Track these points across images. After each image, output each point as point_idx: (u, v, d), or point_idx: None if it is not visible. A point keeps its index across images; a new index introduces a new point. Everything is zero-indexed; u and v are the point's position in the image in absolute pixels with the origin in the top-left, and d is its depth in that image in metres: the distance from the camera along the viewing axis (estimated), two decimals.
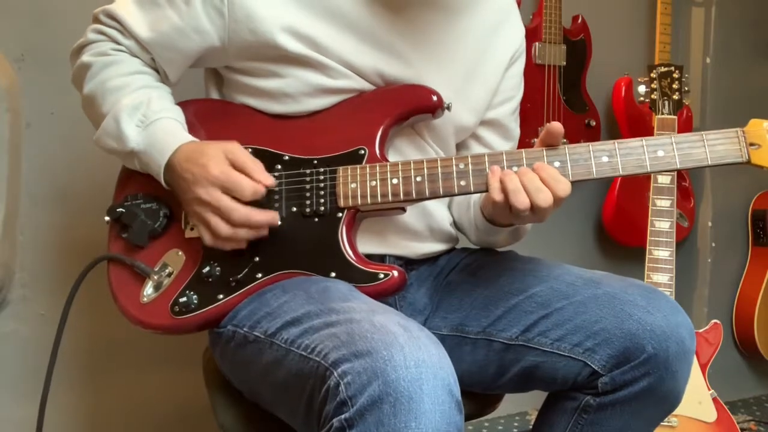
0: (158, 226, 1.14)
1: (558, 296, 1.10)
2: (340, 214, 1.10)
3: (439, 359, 0.88)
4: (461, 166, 1.08)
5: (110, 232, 1.19)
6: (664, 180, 1.93)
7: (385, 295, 1.08)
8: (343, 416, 0.85)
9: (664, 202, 1.92)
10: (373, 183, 1.09)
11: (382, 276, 1.07)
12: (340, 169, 1.10)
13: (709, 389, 1.91)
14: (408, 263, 1.21)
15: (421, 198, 1.09)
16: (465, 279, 1.22)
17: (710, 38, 2.49)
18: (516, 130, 1.35)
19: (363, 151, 1.11)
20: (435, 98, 1.14)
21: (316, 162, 1.12)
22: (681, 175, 2.33)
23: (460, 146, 1.30)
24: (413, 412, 0.83)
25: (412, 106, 1.14)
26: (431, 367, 0.85)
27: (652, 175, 1.93)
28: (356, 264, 1.08)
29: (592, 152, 1.08)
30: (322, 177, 1.11)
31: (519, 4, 2.17)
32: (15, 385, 1.61)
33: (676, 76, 1.96)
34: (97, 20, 1.20)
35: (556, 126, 1.07)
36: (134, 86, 1.14)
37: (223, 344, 1.11)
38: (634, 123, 2.29)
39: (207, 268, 1.10)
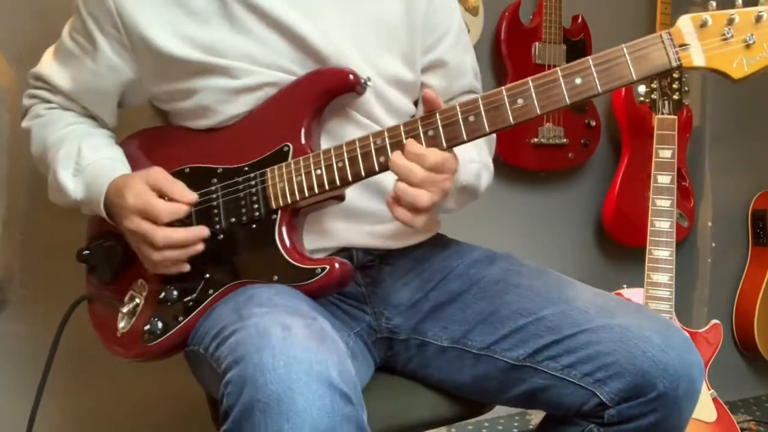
0: (120, 261, 1.18)
1: (570, 323, 1.07)
2: (275, 216, 1.09)
3: (317, 353, 0.87)
4: (378, 142, 1.04)
5: (85, 274, 1.26)
6: (664, 180, 1.93)
7: (331, 289, 1.08)
8: (224, 427, 0.85)
9: (664, 202, 1.92)
10: (299, 178, 1.08)
11: (319, 271, 1.06)
12: (268, 170, 1.10)
13: (709, 389, 1.91)
14: (381, 258, 1.20)
15: (346, 183, 1.06)
16: (467, 289, 1.18)
17: None
18: (467, 62, 1.29)
19: (287, 148, 1.10)
20: (351, 77, 1.10)
21: (247, 168, 1.12)
22: (681, 174, 2.33)
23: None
24: (284, 414, 0.82)
25: (329, 90, 1.11)
26: (304, 363, 0.85)
27: (652, 174, 1.93)
28: (294, 263, 1.07)
29: (506, 97, 1.01)
30: (253, 182, 1.11)
31: (519, 4, 2.17)
32: (15, 385, 1.61)
33: (675, 76, 1.96)
34: (29, 84, 1.28)
35: (428, 94, 1.03)
36: (69, 138, 1.19)
37: (192, 364, 1.13)
38: (634, 123, 2.29)
39: (164, 293, 1.12)
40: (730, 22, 0.94)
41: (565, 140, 2.24)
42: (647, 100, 1.98)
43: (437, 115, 1.03)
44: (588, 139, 2.29)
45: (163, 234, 1.07)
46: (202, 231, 1.10)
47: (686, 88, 1.96)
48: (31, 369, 1.58)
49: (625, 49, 0.97)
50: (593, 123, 2.29)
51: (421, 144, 1.02)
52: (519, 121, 1.01)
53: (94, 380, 1.69)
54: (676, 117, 1.95)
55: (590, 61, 0.97)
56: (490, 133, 1.02)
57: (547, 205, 2.38)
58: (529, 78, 1.00)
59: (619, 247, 2.40)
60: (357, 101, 1.15)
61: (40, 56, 1.57)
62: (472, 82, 1.30)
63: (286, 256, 1.08)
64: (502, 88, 1.01)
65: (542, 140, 2.20)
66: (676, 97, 1.95)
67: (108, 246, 1.20)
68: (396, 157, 1.02)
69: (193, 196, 1.10)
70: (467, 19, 2.08)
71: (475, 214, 2.24)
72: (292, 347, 0.86)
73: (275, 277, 1.08)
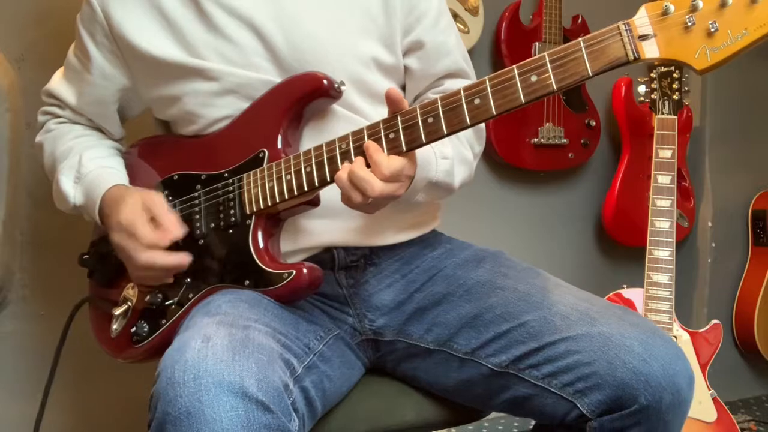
0: (115, 266, 1.20)
1: (551, 329, 1.04)
2: (249, 221, 1.11)
3: (230, 365, 0.87)
4: (343, 146, 1.03)
5: (87, 277, 1.29)
6: (664, 180, 1.93)
7: (300, 293, 1.08)
8: None
9: (664, 202, 1.92)
10: (271, 183, 1.09)
11: (285, 276, 1.07)
12: (245, 176, 1.12)
13: (709, 389, 1.91)
14: (366, 258, 1.19)
15: (313, 189, 1.06)
16: (452, 291, 1.17)
17: None
18: (450, 41, 1.24)
19: (262, 154, 1.12)
20: (325, 82, 1.10)
21: (226, 175, 1.14)
22: (681, 175, 2.33)
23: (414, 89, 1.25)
24: (194, 426, 0.83)
25: (303, 96, 1.11)
26: (214, 376, 0.85)
27: (652, 174, 1.93)
28: (264, 267, 1.08)
29: (463, 97, 0.97)
30: (231, 188, 1.13)
31: (519, 4, 2.18)
32: (15, 385, 1.61)
33: (676, 76, 1.96)
34: (42, 101, 1.33)
35: (391, 93, 1.00)
36: (73, 150, 1.25)
37: None
38: (634, 123, 2.29)
39: (149, 297, 1.15)
40: (694, 9, 0.87)
41: (565, 140, 2.24)
42: (647, 100, 1.98)
43: (398, 117, 1.01)
44: (588, 139, 2.29)
45: (146, 257, 1.10)
46: (184, 259, 1.11)
47: (686, 88, 1.96)
48: (32, 368, 1.59)
49: (582, 42, 0.91)
50: (593, 123, 2.29)
51: (382, 147, 1.01)
52: (475, 121, 0.97)
53: (99, 380, 1.69)
54: (676, 117, 1.95)
55: (546, 57, 0.93)
56: (449, 134, 0.98)
57: (547, 205, 2.38)
58: (486, 77, 0.96)
59: (619, 247, 2.40)
60: (347, 94, 1.14)
61: (41, 57, 1.59)
62: (457, 64, 1.26)
63: (257, 261, 1.09)
64: (461, 87, 0.97)
65: (542, 140, 2.20)
66: (676, 97, 1.95)
67: (105, 251, 1.22)
68: (356, 167, 1.00)
69: (179, 232, 1.12)
70: (467, 19, 2.09)
71: (475, 213, 2.25)
72: (205, 360, 0.87)
73: (247, 282, 1.09)
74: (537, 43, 2.17)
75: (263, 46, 1.13)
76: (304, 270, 1.06)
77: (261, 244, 1.10)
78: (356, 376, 1.21)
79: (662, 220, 1.91)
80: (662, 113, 1.96)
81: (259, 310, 1.03)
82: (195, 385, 0.85)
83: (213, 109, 1.16)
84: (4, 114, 1.49)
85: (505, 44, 2.15)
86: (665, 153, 1.94)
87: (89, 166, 1.21)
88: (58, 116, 1.32)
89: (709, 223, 2.51)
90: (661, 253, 1.90)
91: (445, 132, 0.98)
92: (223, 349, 0.89)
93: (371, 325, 1.20)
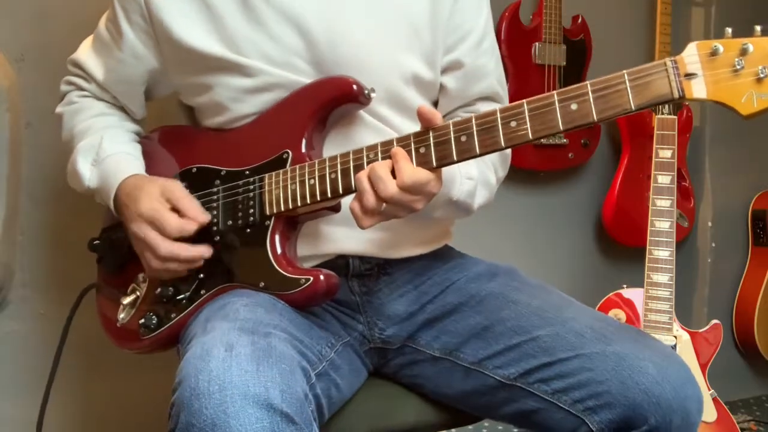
0: (126, 254, 1.19)
1: (564, 345, 1.05)
2: (268, 222, 1.09)
3: (255, 375, 0.86)
4: (371, 155, 1.02)
5: (96, 263, 1.28)
6: (664, 180, 1.93)
7: (315, 300, 1.07)
8: None
9: (664, 202, 1.92)
10: (294, 186, 1.07)
11: (303, 281, 1.05)
12: (266, 176, 1.10)
13: (709, 389, 1.91)
14: (380, 267, 1.18)
15: (337, 195, 1.05)
16: (464, 302, 1.17)
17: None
18: (489, 65, 1.24)
19: (286, 155, 1.10)
20: (355, 87, 1.08)
21: (247, 173, 1.13)
22: (681, 174, 2.33)
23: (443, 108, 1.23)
24: None
25: (331, 100, 1.10)
26: (239, 387, 0.84)
27: (652, 174, 1.93)
28: (281, 271, 1.07)
29: (500, 118, 0.96)
30: (251, 187, 1.12)
31: (519, 4, 2.18)
32: (15, 385, 1.61)
33: None
34: (67, 70, 1.31)
35: (423, 110, 0.99)
36: (94, 129, 1.23)
37: None
38: (634, 123, 2.29)
39: (160, 289, 1.14)
40: (744, 52, 0.86)
41: (565, 140, 2.24)
42: None
43: (431, 132, 0.99)
44: (588, 139, 2.29)
45: (169, 249, 1.08)
46: (206, 251, 1.10)
47: None
48: (33, 368, 1.59)
49: (626, 75, 0.90)
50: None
51: (412, 160, 1.00)
52: (510, 144, 0.95)
53: (101, 379, 1.69)
54: (676, 117, 1.95)
55: (588, 86, 0.92)
56: (481, 155, 0.97)
57: (547, 206, 2.38)
58: (524, 100, 0.95)
59: (619, 247, 2.40)
60: (378, 102, 1.13)
61: (40, 56, 1.58)
62: (493, 88, 1.25)
63: (274, 264, 1.08)
64: (497, 108, 0.96)
65: (542, 140, 2.20)
66: None
67: (116, 238, 1.21)
68: (378, 165, 0.99)
69: (205, 218, 1.11)
70: None
71: (475, 214, 2.25)
72: (229, 370, 0.86)
73: (262, 284, 1.08)
74: (537, 43, 2.17)
75: (305, 46, 1.11)
76: (321, 277, 1.05)
77: (279, 247, 1.08)
78: (360, 382, 1.20)
79: (662, 220, 1.91)
80: (662, 113, 1.96)
81: (276, 315, 1.02)
82: (220, 397, 0.83)
83: (243, 104, 1.14)
84: (4, 114, 1.49)
85: (505, 44, 2.15)
86: (665, 153, 1.94)
87: (108, 150, 1.19)
88: (83, 89, 1.29)
89: (709, 223, 2.51)
90: (661, 253, 1.90)
91: (477, 152, 0.97)
92: (247, 359, 0.88)
93: (381, 334, 1.20)
